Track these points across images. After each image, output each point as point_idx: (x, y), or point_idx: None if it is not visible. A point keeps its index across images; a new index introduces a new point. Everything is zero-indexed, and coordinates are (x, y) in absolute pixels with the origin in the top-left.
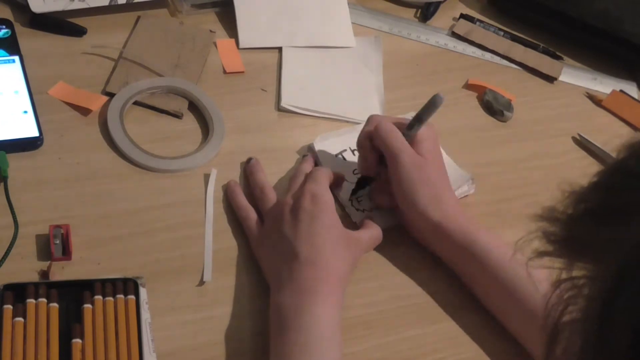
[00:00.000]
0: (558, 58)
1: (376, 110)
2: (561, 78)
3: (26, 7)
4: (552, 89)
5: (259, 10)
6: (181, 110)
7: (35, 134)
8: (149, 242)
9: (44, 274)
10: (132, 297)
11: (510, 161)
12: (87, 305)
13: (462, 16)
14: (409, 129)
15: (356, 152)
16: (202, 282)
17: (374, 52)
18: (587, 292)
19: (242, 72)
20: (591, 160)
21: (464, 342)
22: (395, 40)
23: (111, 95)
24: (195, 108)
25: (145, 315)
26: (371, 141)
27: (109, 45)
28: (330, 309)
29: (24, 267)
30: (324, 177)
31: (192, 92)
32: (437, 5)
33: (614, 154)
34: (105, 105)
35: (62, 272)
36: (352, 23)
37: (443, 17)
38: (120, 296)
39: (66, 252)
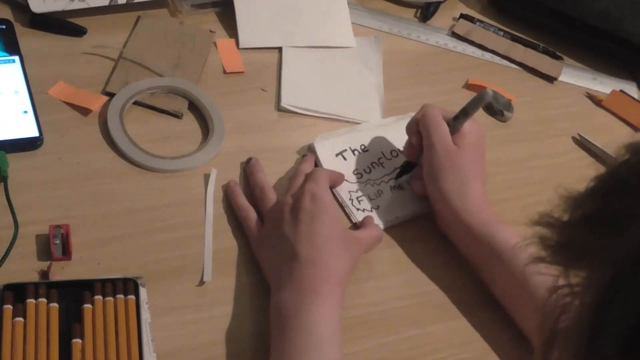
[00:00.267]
0: (558, 58)
1: (376, 110)
2: (561, 78)
3: (26, 7)
4: (552, 89)
5: (259, 10)
6: (181, 110)
7: (35, 134)
8: (149, 242)
9: (44, 274)
10: (132, 297)
11: (510, 161)
12: (87, 305)
13: (462, 16)
14: (454, 120)
15: (356, 152)
16: (202, 282)
17: (374, 52)
18: (582, 299)
19: (242, 72)
20: (591, 160)
21: (464, 342)
22: (395, 40)
23: (111, 95)
24: (195, 108)
25: (145, 315)
26: (417, 126)
27: (109, 45)
28: (330, 309)
29: (24, 267)
30: (324, 177)
31: (192, 92)
32: (437, 5)
33: (614, 154)
34: (105, 105)
35: (62, 272)
36: (352, 23)
37: (443, 17)
38: (120, 296)
39: (66, 252)
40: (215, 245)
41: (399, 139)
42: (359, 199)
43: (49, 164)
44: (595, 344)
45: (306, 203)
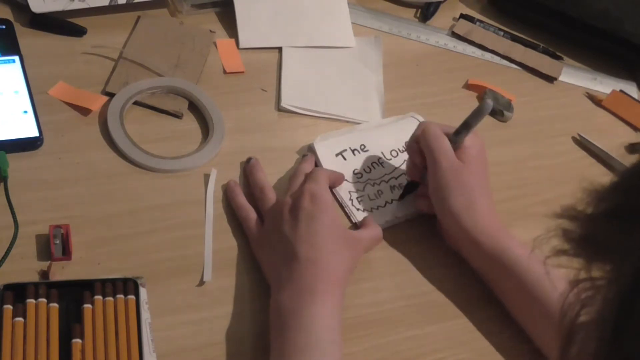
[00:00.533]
0: (558, 58)
1: (376, 110)
2: (561, 78)
3: (26, 7)
4: (552, 89)
5: (259, 10)
6: (181, 110)
7: (35, 134)
8: (149, 242)
9: (44, 274)
10: (132, 297)
11: (510, 161)
12: (87, 305)
13: (462, 16)
14: (456, 134)
15: (356, 152)
16: (202, 282)
17: (374, 52)
18: (604, 294)
19: (242, 72)
20: (591, 160)
21: (463, 342)
22: (395, 40)
23: (111, 95)
24: (195, 108)
25: (145, 315)
26: (418, 145)
27: (109, 45)
28: (330, 308)
29: (24, 267)
30: (323, 177)
31: (192, 92)
32: (437, 5)
33: (614, 154)
34: (105, 105)
35: (62, 272)
36: (352, 23)
37: (443, 17)
38: (120, 296)
39: (66, 252)
40: (215, 245)
41: (399, 139)
42: (359, 199)
43: (49, 164)
44: (618, 339)
45: (306, 203)
